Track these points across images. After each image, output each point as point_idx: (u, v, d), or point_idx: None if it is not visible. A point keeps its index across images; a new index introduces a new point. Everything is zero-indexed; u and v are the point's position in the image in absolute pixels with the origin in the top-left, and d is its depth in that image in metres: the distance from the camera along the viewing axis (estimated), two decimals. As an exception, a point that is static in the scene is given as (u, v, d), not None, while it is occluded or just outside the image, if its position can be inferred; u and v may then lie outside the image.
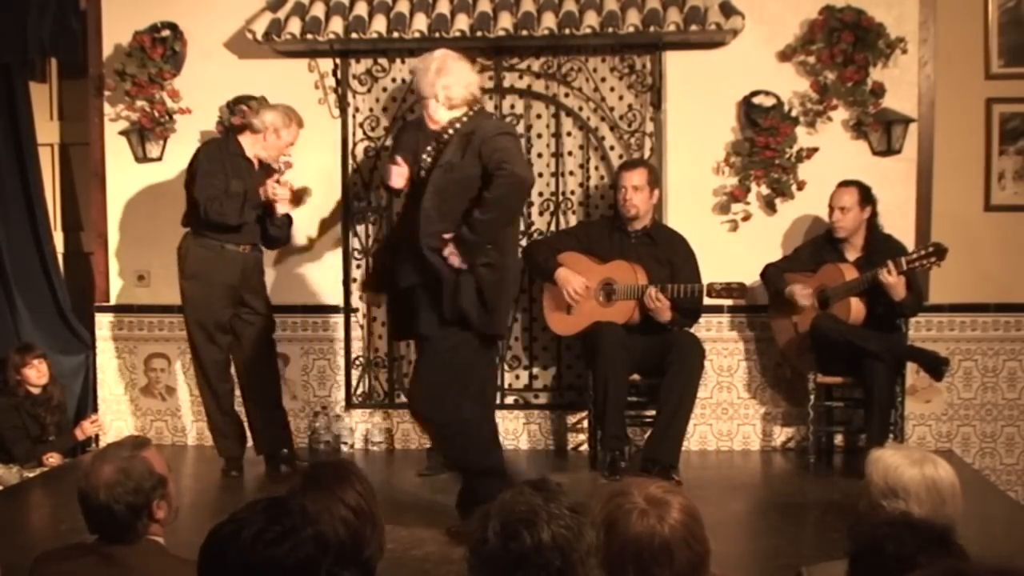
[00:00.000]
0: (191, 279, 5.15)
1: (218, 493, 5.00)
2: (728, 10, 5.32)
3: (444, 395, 4.08)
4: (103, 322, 5.93)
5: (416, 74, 4.30)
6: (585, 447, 5.57)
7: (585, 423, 5.55)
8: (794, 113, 5.50)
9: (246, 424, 5.30)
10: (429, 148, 4.25)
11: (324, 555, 1.93)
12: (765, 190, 5.55)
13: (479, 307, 4.04)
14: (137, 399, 5.94)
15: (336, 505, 2.34)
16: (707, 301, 5.11)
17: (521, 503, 1.85)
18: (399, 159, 4.81)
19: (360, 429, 5.77)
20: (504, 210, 4.02)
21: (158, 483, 2.59)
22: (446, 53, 4.23)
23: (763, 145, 5.46)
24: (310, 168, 5.66)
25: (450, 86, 4.07)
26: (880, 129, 5.46)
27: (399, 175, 4.74)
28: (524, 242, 5.64)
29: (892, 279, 4.90)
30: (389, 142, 5.55)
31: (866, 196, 5.19)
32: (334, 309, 5.76)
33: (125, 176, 5.87)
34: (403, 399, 5.74)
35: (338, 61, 5.68)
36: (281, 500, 2.01)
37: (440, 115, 4.12)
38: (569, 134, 5.67)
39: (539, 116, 5.67)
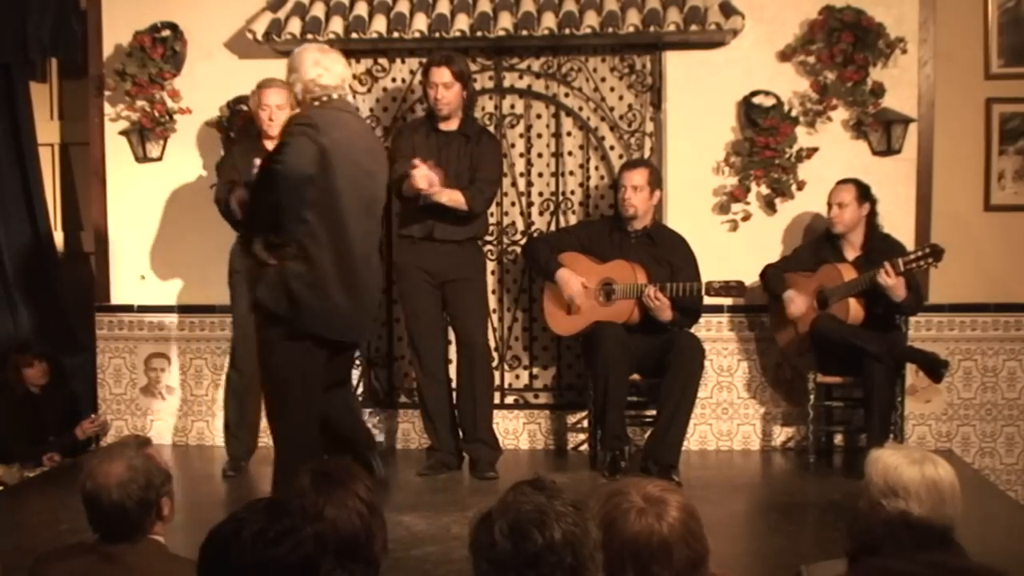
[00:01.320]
0: (231, 275, 5.18)
1: (218, 493, 5.00)
2: (728, 10, 5.32)
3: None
4: (103, 322, 5.94)
5: None
6: (585, 447, 5.57)
7: (585, 423, 5.55)
8: (794, 113, 5.51)
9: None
10: None
11: (323, 553, 1.94)
12: (765, 190, 5.55)
13: (285, 300, 3.91)
14: (137, 399, 5.94)
15: (351, 499, 2.35)
16: (706, 300, 5.12)
17: (526, 503, 1.85)
18: (416, 161, 4.82)
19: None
20: (260, 206, 3.88)
21: (166, 479, 2.62)
22: (301, 50, 4.11)
23: (763, 145, 5.46)
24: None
25: (294, 83, 4.05)
26: (880, 129, 5.46)
27: (423, 177, 4.76)
28: (524, 241, 5.67)
29: (891, 281, 4.91)
30: (388, 143, 5.55)
31: (864, 193, 5.20)
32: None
33: (125, 176, 5.87)
34: (403, 399, 5.76)
35: (338, 61, 5.68)
36: (280, 499, 2.02)
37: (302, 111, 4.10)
38: (569, 134, 5.67)
39: (539, 116, 5.68)
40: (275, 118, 5.06)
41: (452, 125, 5.09)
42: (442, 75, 4.97)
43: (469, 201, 4.96)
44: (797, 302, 5.22)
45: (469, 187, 4.99)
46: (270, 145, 5.06)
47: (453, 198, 4.92)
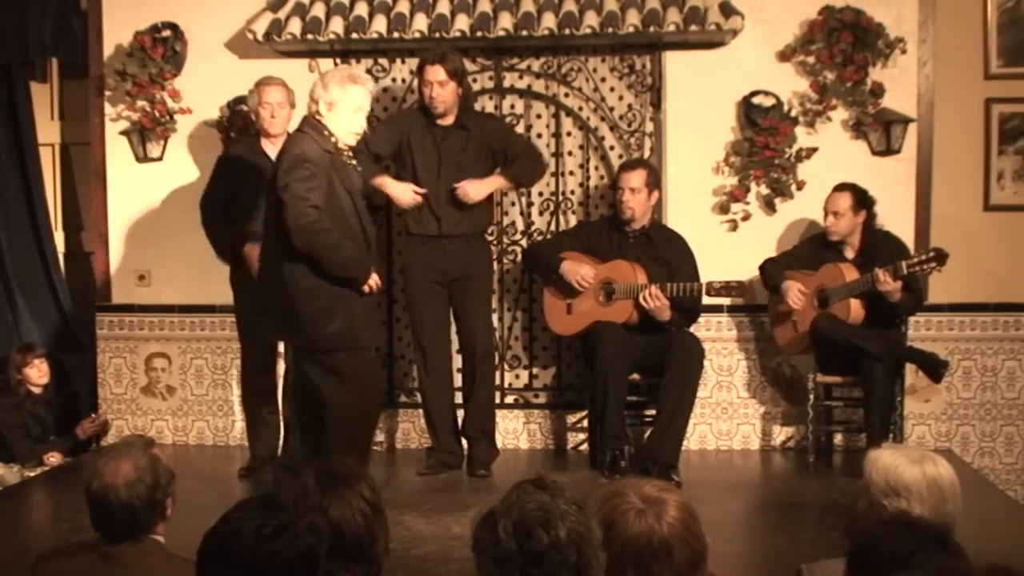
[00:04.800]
0: (232, 277, 5.19)
1: (218, 493, 4.99)
2: (728, 10, 5.32)
3: None
4: (104, 322, 5.94)
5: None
6: (585, 447, 5.57)
7: (585, 423, 5.56)
8: (794, 113, 5.51)
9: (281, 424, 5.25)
10: None
11: (321, 543, 1.96)
12: (765, 190, 5.56)
13: None
14: (138, 399, 5.94)
15: (355, 498, 2.36)
16: (706, 300, 5.12)
17: (530, 502, 1.85)
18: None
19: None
20: None
21: (171, 479, 2.63)
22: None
23: (763, 145, 5.47)
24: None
25: None
26: (879, 129, 5.46)
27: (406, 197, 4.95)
28: (524, 243, 5.67)
29: (888, 287, 4.90)
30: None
31: (861, 201, 5.17)
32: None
33: (126, 176, 5.88)
34: (403, 399, 5.76)
35: (338, 61, 5.68)
36: (273, 495, 2.03)
37: None
38: (569, 134, 5.67)
39: (539, 116, 5.68)
40: (277, 115, 5.08)
41: (448, 120, 5.10)
42: (436, 73, 4.97)
43: (517, 176, 5.15)
44: (794, 291, 5.18)
45: (508, 167, 5.09)
46: (269, 144, 5.07)
47: (490, 186, 5.04)
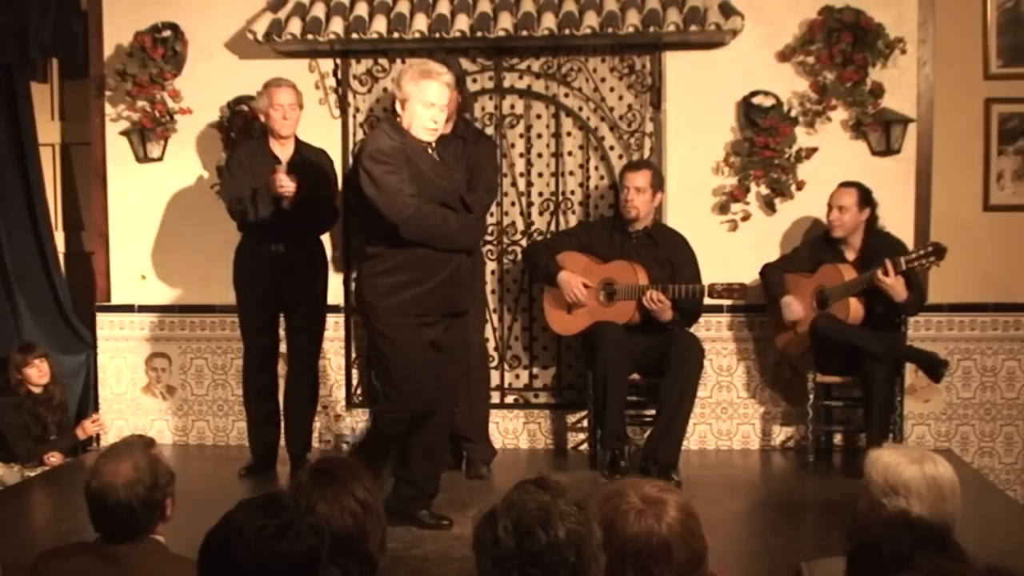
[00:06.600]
0: (235, 277, 5.19)
1: (218, 493, 4.99)
2: (728, 10, 5.33)
3: None
4: (104, 322, 5.94)
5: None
6: (585, 447, 5.58)
7: (585, 423, 5.56)
8: (793, 113, 5.51)
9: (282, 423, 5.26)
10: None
11: (322, 543, 1.96)
12: (764, 190, 5.56)
13: None
14: (138, 398, 5.95)
15: (346, 497, 2.36)
16: (707, 301, 5.12)
17: (530, 501, 1.86)
18: None
19: (360, 429, 5.77)
20: None
21: (170, 480, 2.63)
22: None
23: (762, 145, 5.47)
24: (310, 168, 5.66)
25: None
26: (879, 129, 5.47)
27: None
28: (524, 243, 5.67)
29: (890, 280, 4.91)
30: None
31: (866, 198, 5.19)
32: (334, 309, 5.75)
33: (126, 176, 5.88)
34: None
35: (338, 61, 5.69)
36: (274, 495, 2.03)
37: None
38: (569, 134, 5.68)
39: (539, 116, 5.68)
40: (289, 117, 5.06)
41: (447, 128, 5.08)
42: None
43: (473, 207, 4.94)
44: (794, 307, 5.22)
45: (469, 194, 4.97)
46: (278, 146, 5.07)
47: None
